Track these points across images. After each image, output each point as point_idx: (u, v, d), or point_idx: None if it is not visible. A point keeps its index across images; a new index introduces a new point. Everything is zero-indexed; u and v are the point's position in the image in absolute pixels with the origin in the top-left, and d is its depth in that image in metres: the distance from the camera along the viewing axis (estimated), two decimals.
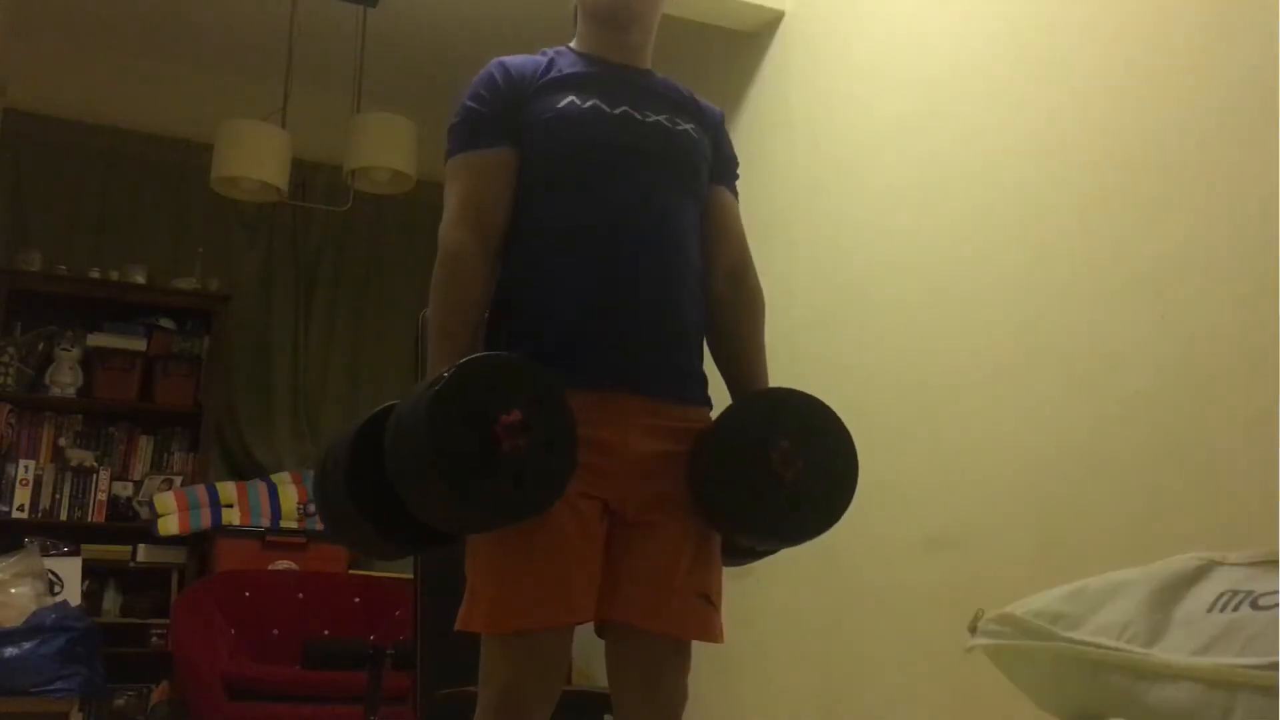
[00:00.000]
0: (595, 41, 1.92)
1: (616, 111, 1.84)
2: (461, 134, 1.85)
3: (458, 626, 1.71)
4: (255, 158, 4.12)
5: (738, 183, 2.03)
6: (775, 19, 3.79)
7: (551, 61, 1.89)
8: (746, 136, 3.70)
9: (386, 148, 4.26)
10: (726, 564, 1.90)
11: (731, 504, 1.77)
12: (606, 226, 1.79)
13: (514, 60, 1.88)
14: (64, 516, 4.59)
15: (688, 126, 1.90)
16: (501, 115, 1.83)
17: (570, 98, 1.83)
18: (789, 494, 1.75)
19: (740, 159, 2.05)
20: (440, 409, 1.55)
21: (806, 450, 1.76)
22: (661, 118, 1.87)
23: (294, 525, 4.66)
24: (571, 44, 1.95)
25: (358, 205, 4.80)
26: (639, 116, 1.85)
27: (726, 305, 1.94)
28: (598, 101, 1.83)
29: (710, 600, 1.79)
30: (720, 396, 1.91)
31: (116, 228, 4.99)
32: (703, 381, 1.88)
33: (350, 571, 4.64)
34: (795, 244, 3.48)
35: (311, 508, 4.71)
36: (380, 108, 4.40)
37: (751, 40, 3.87)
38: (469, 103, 1.86)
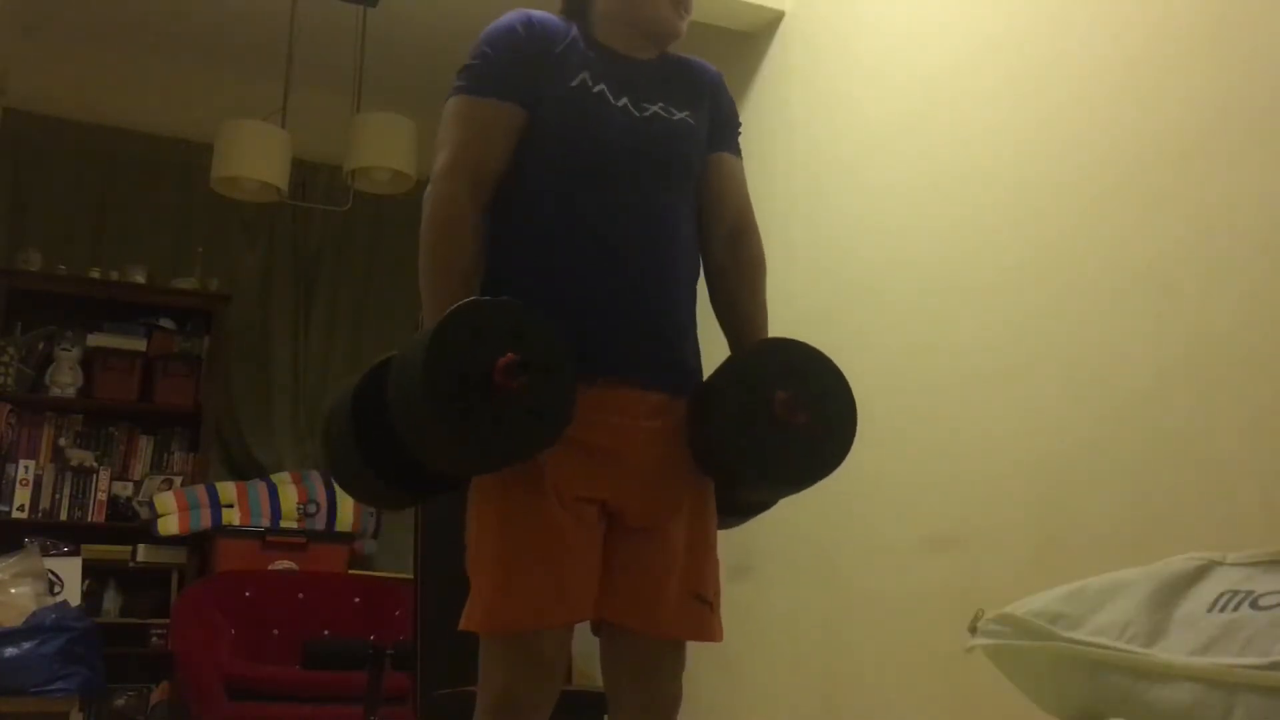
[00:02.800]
0: (613, 36, 1.89)
1: (619, 103, 1.83)
2: (472, 76, 1.81)
3: (461, 626, 1.71)
4: (255, 158, 4.11)
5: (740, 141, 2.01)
6: (775, 19, 3.79)
7: (572, 34, 1.86)
8: (747, 136, 3.68)
9: (386, 148, 4.26)
10: (727, 525, 1.89)
11: (738, 458, 1.76)
12: (602, 222, 1.79)
13: (539, 15, 1.85)
14: (64, 516, 4.58)
15: (684, 114, 1.89)
16: (517, 70, 1.80)
17: (584, 75, 1.81)
18: (793, 437, 1.74)
19: (740, 159, 2.04)
20: (436, 351, 1.56)
21: (805, 393, 1.76)
22: (658, 108, 1.86)
23: (294, 525, 4.66)
24: (592, 21, 1.91)
25: (358, 205, 4.80)
26: (636, 112, 1.84)
27: (726, 269, 1.94)
28: (605, 89, 1.82)
29: (706, 600, 1.79)
30: None
31: (116, 228, 4.99)
32: (698, 375, 1.88)
33: (350, 571, 4.64)
34: (795, 244, 3.48)
35: (312, 508, 4.71)
36: (380, 108, 4.40)
37: (751, 40, 3.87)
38: (486, 48, 1.82)
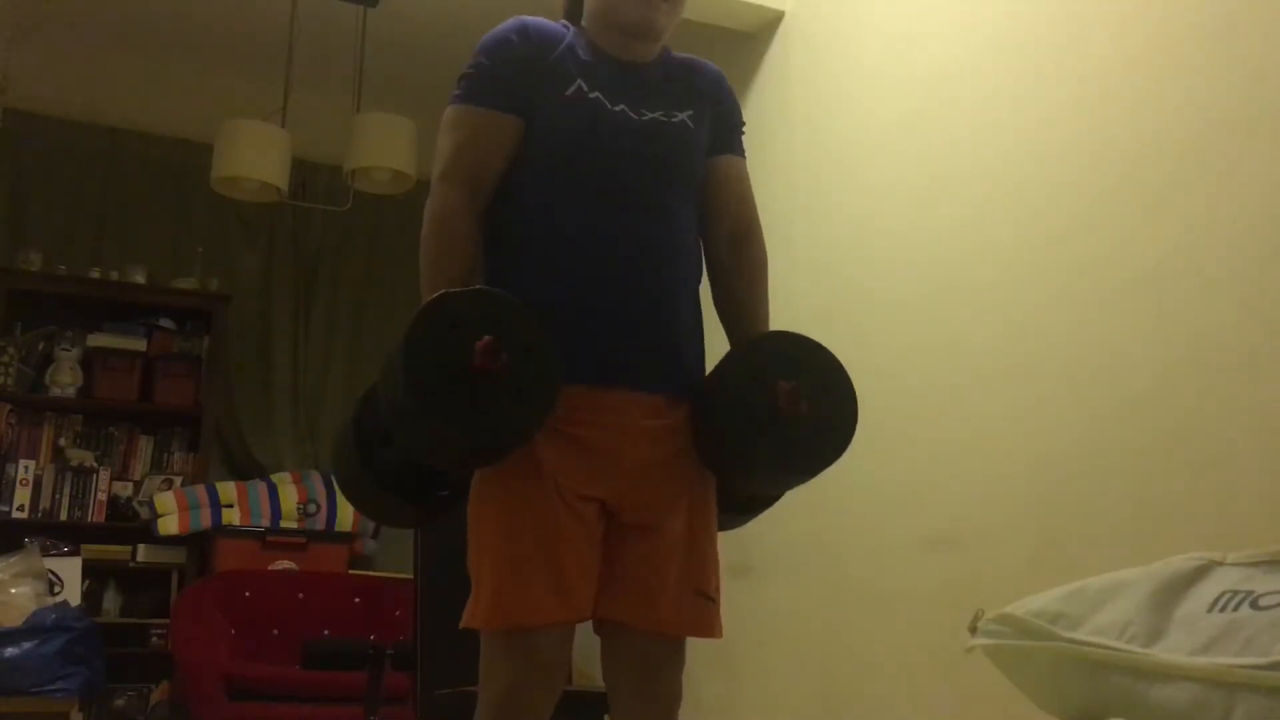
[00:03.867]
0: (605, 41, 1.89)
1: (616, 108, 1.83)
2: (469, 85, 1.83)
3: (462, 625, 1.71)
4: (255, 158, 4.11)
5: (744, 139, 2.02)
6: (775, 19, 3.79)
7: (568, 39, 1.87)
8: (747, 137, 3.69)
9: (386, 148, 4.26)
10: (729, 525, 1.90)
11: (742, 444, 1.77)
12: (603, 226, 1.79)
13: (535, 22, 1.86)
14: (64, 516, 4.58)
15: (684, 115, 1.89)
16: (513, 79, 1.81)
17: (579, 82, 1.82)
18: (797, 427, 1.76)
19: (744, 159, 2.04)
20: (413, 346, 1.59)
21: (807, 384, 1.77)
22: (658, 113, 1.86)
23: (294, 525, 4.66)
24: (584, 24, 1.92)
25: (358, 205, 4.79)
26: (634, 116, 1.84)
27: (730, 270, 1.95)
28: (600, 95, 1.82)
29: (708, 596, 1.79)
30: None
31: (116, 228, 4.99)
32: (700, 378, 1.88)
33: (350, 571, 4.64)
34: (795, 244, 3.48)
35: (312, 508, 4.71)
36: (380, 108, 4.40)
37: (751, 40, 3.87)
38: (482, 57, 1.84)
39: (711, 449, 1.81)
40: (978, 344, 2.82)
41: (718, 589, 1.82)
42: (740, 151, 2.00)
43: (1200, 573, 1.32)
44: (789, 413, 1.74)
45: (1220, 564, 1.32)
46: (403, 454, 1.73)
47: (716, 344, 1.94)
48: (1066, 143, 2.64)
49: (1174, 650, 1.23)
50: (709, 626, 1.80)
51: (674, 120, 1.88)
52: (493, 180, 1.81)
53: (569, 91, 1.81)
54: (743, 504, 1.95)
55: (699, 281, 1.92)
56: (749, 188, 2.00)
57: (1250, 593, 1.23)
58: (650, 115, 1.85)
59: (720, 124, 1.96)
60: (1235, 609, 1.22)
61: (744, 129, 2.02)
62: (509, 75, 1.82)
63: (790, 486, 1.91)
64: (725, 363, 1.86)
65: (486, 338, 1.57)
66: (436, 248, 1.77)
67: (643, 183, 1.82)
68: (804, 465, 1.81)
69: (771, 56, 3.81)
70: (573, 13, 1.95)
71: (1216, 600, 1.25)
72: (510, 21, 1.86)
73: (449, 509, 1.84)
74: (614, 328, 1.77)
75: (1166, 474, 2.29)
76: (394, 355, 1.63)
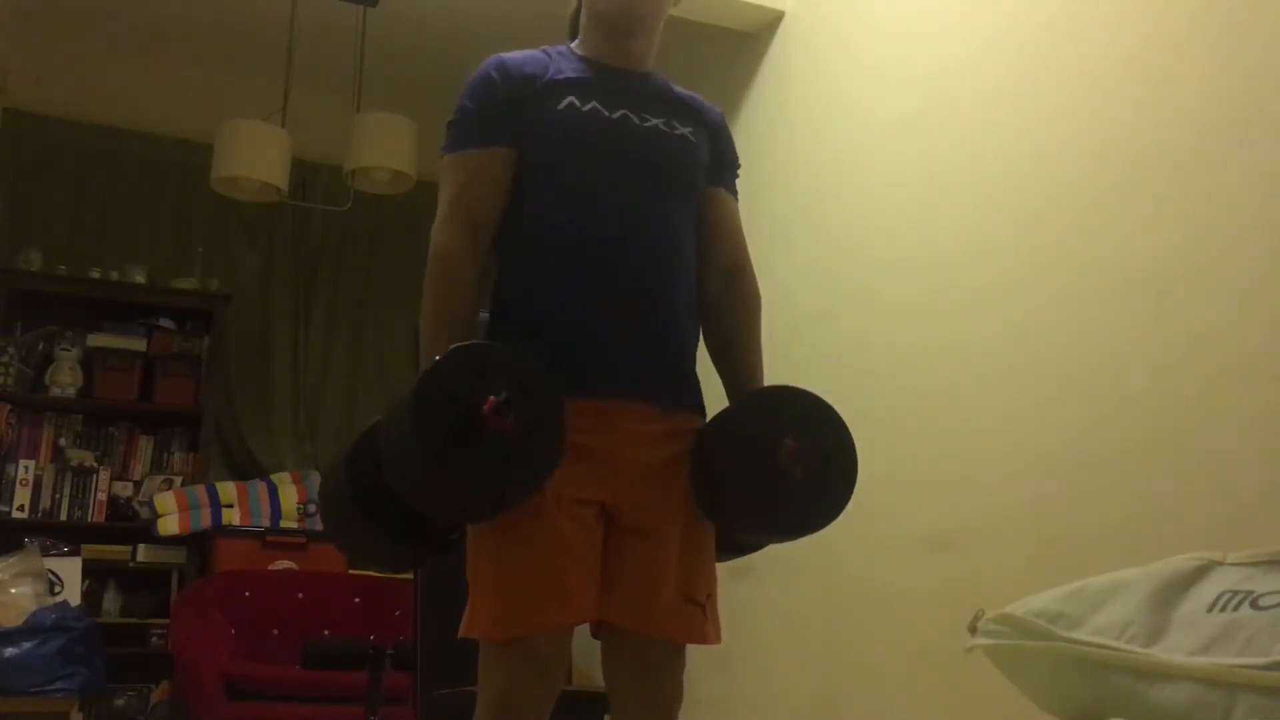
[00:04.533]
0: (598, 45, 1.91)
1: (615, 115, 1.84)
2: (455, 132, 1.86)
3: (461, 634, 1.71)
4: (255, 158, 4.12)
5: (738, 183, 2.03)
6: (775, 19, 3.79)
7: (553, 62, 1.88)
8: (746, 136, 3.70)
9: (386, 148, 4.26)
10: (722, 559, 1.90)
11: (739, 502, 1.78)
12: (604, 234, 1.80)
13: (513, 58, 1.88)
14: (64, 516, 4.58)
15: (686, 130, 1.90)
16: (497, 114, 1.83)
17: (570, 98, 1.83)
18: (796, 489, 1.76)
19: (740, 159, 2.04)
20: (426, 390, 1.58)
21: (809, 445, 1.77)
22: (659, 122, 1.87)
23: (294, 525, 4.66)
24: (573, 45, 1.95)
25: (358, 205, 4.80)
26: (637, 121, 1.85)
27: (723, 305, 1.95)
28: (597, 104, 1.83)
29: (698, 603, 1.79)
30: (714, 399, 1.91)
31: (116, 228, 4.99)
32: (697, 387, 1.88)
33: (350, 571, 4.63)
34: (795, 244, 3.48)
35: (312, 508, 4.71)
36: (380, 108, 4.40)
37: (751, 40, 3.87)
38: (465, 102, 1.86)
39: (706, 494, 1.81)
40: (978, 344, 2.82)
41: (710, 596, 1.81)
42: (735, 192, 2.01)
43: (1200, 573, 1.32)
44: (787, 471, 1.74)
45: (1220, 564, 1.32)
46: (403, 510, 1.72)
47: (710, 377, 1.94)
48: (1066, 143, 2.64)
49: (1174, 650, 1.23)
50: (700, 633, 1.79)
51: (675, 131, 1.89)
52: (493, 217, 1.83)
53: (561, 106, 1.82)
54: (736, 546, 1.95)
55: (694, 288, 1.91)
56: (740, 228, 2.01)
57: (1250, 593, 1.23)
58: (653, 122, 1.86)
59: (720, 161, 1.98)
60: (1235, 609, 1.22)
61: (739, 173, 2.03)
62: (494, 111, 1.83)
63: (779, 542, 1.93)
64: (732, 411, 1.86)
65: (492, 399, 1.57)
66: (436, 290, 1.79)
67: (643, 188, 1.83)
68: (795, 526, 1.82)
69: (771, 56, 3.81)
70: (573, 31, 1.97)
71: (1216, 600, 1.25)
72: (488, 61, 1.88)
73: (448, 551, 1.84)
74: (614, 337, 1.77)
75: (1166, 474, 2.29)
76: (399, 410, 1.62)
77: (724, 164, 1.99)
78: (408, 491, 1.68)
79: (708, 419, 1.87)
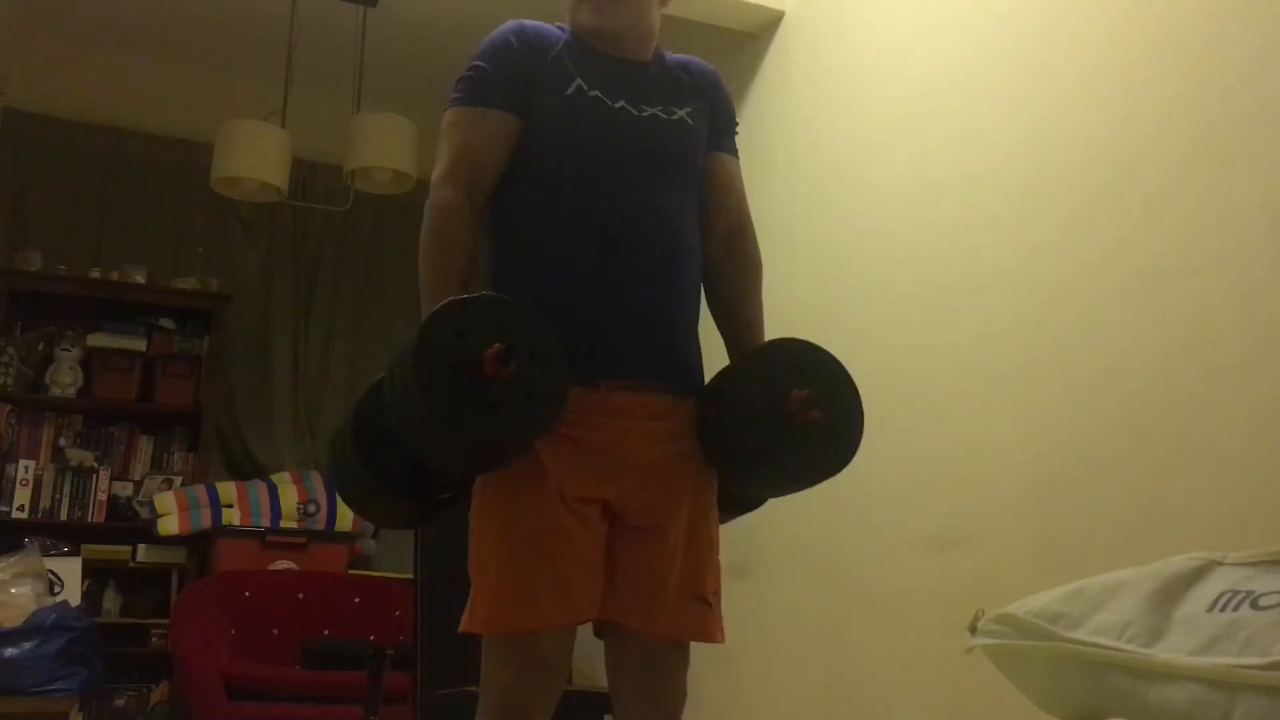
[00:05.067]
0: (594, 40, 1.91)
1: (616, 105, 1.84)
2: (467, 88, 1.85)
3: (461, 629, 1.71)
4: (255, 158, 4.11)
5: (738, 139, 2.03)
6: (775, 19, 3.79)
7: (565, 39, 1.88)
8: (746, 136, 3.68)
9: (386, 148, 4.26)
10: (729, 518, 1.90)
11: (758, 452, 1.78)
12: (603, 224, 1.80)
13: (533, 26, 1.88)
14: (64, 516, 4.58)
15: (683, 112, 1.90)
16: (511, 80, 1.83)
17: (578, 81, 1.83)
18: (807, 434, 1.76)
19: (740, 159, 2.04)
20: (428, 336, 1.59)
21: (816, 390, 1.77)
22: (657, 110, 1.87)
23: (294, 525, 4.66)
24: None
25: (358, 205, 4.80)
26: (635, 112, 1.85)
27: (724, 267, 1.96)
28: (600, 93, 1.84)
29: (707, 601, 1.79)
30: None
31: (116, 228, 4.98)
32: (700, 375, 1.88)
33: (350, 571, 4.63)
34: (795, 244, 3.48)
35: (312, 508, 4.71)
36: (380, 108, 4.40)
37: (751, 40, 3.87)
38: (480, 61, 1.86)
39: (719, 451, 1.81)
40: (978, 344, 2.82)
41: (716, 593, 1.82)
42: (734, 150, 2.01)
43: (1200, 573, 1.32)
44: (801, 420, 1.75)
45: (1220, 564, 1.32)
46: (406, 454, 1.73)
47: (713, 344, 1.94)
48: (1066, 142, 2.64)
49: (1174, 650, 1.23)
50: (708, 631, 1.79)
51: (673, 117, 1.89)
52: (492, 179, 1.83)
53: (569, 90, 1.83)
54: (733, 503, 1.95)
55: (700, 277, 1.92)
56: (742, 186, 2.01)
57: (1250, 593, 1.23)
58: (650, 111, 1.87)
59: (716, 122, 1.98)
60: (1235, 609, 1.22)
61: (737, 128, 2.02)
62: (507, 76, 1.83)
63: (793, 491, 1.92)
64: (733, 367, 1.87)
65: (495, 345, 1.58)
66: (435, 246, 1.79)
67: (644, 179, 1.83)
68: (812, 471, 1.82)
69: (771, 56, 3.81)
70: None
71: (1216, 600, 1.25)
72: (507, 25, 1.88)
73: (449, 508, 1.84)
74: (615, 324, 1.77)
75: (1166, 474, 2.29)
76: (403, 360, 1.63)
77: (721, 126, 1.99)
78: (407, 437, 1.68)
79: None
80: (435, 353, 1.59)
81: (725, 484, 1.87)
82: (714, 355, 1.93)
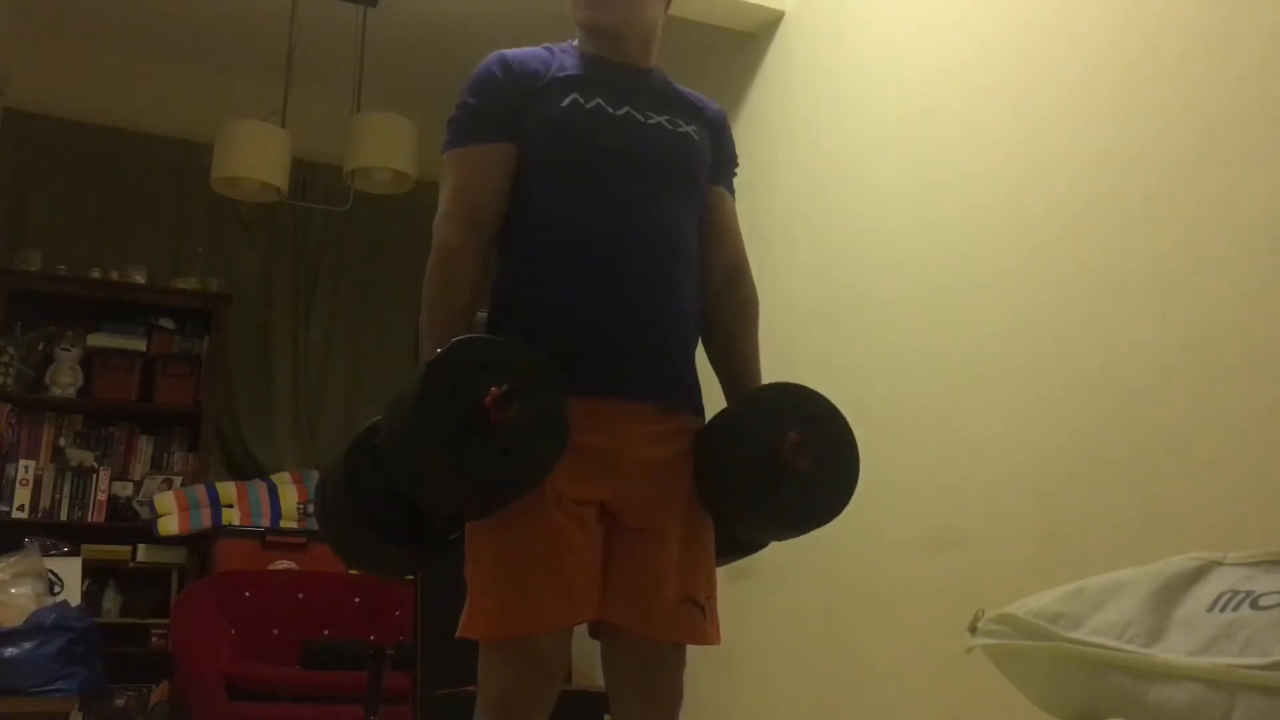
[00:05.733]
0: (595, 46, 1.91)
1: (619, 112, 1.84)
2: (457, 128, 1.85)
3: (459, 634, 1.71)
4: (255, 158, 4.11)
5: (736, 181, 2.03)
6: (775, 19, 3.79)
7: (556, 59, 1.88)
8: (746, 136, 3.69)
9: (386, 148, 4.26)
10: (724, 562, 1.89)
11: (746, 498, 1.78)
12: (609, 232, 1.79)
13: (516, 54, 1.88)
14: (64, 516, 4.58)
15: (689, 128, 1.90)
16: (498, 110, 1.83)
17: (574, 96, 1.83)
18: (802, 483, 1.76)
19: (740, 159, 2.05)
20: (431, 381, 1.58)
21: (811, 437, 1.77)
22: (663, 119, 1.87)
23: (294, 525, 4.66)
24: (574, 42, 1.95)
25: (358, 205, 4.80)
26: (641, 118, 1.85)
27: (721, 306, 1.95)
28: (601, 101, 1.83)
29: (698, 604, 1.79)
30: (713, 403, 1.91)
31: (116, 228, 4.99)
32: (697, 390, 1.88)
33: (350, 571, 4.63)
34: (795, 244, 3.48)
35: (312, 507, 4.70)
36: (380, 108, 4.40)
37: (751, 40, 3.87)
38: (467, 98, 1.86)
39: (711, 489, 1.81)
40: (978, 344, 2.82)
41: (710, 597, 1.81)
42: (732, 191, 2.02)
43: (1200, 573, 1.32)
44: (791, 465, 1.74)
45: (1220, 564, 1.32)
46: (402, 506, 1.72)
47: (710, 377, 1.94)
48: (1066, 142, 2.64)
49: (1174, 650, 1.23)
50: (701, 634, 1.79)
51: (679, 129, 1.89)
52: (496, 211, 1.83)
53: (565, 103, 1.82)
54: (738, 546, 1.95)
55: (698, 286, 1.91)
56: (738, 227, 2.01)
57: (1250, 593, 1.23)
58: (656, 119, 1.86)
59: (720, 159, 1.98)
60: (1235, 609, 1.22)
61: (737, 171, 2.03)
62: (495, 105, 1.83)
63: (784, 538, 1.92)
64: (733, 409, 1.86)
65: (492, 391, 1.57)
66: (437, 287, 1.79)
67: (646, 187, 1.83)
68: (801, 521, 1.82)
69: (771, 56, 3.81)
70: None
71: (1216, 600, 1.25)
72: (490, 57, 1.88)
73: (447, 548, 1.84)
74: (614, 337, 1.77)
75: (1166, 474, 2.29)
76: (401, 416, 1.62)
77: (724, 163, 1.99)
78: (409, 485, 1.68)
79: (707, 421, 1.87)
80: (439, 415, 1.57)
81: (721, 527, 1.87)
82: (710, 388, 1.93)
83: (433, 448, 1.58)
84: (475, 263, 1.80)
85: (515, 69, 1.85)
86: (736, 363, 1.95)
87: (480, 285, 1.81)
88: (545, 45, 1.92)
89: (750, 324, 1.98)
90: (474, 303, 1.80)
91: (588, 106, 1.82)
